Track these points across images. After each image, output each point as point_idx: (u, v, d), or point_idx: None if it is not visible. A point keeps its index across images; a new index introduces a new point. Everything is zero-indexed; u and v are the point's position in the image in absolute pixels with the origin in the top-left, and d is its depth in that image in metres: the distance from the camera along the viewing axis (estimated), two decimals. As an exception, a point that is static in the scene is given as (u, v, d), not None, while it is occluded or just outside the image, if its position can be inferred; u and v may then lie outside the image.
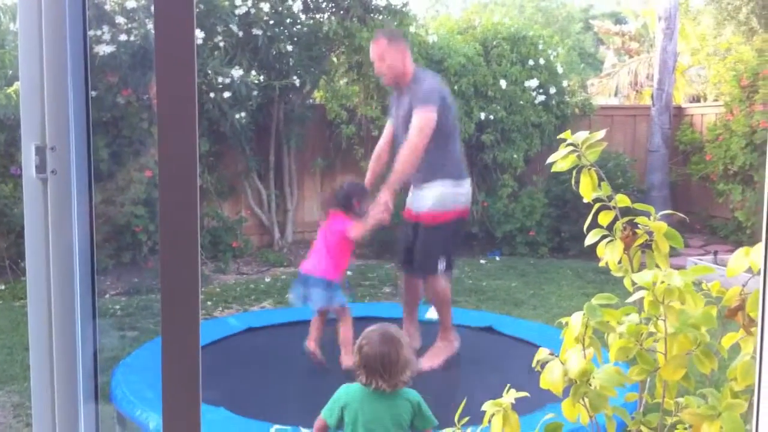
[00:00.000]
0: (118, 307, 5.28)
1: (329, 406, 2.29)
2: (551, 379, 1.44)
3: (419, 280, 3.93)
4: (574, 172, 1.59)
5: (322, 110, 7.31)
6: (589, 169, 1.58)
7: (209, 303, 5.47)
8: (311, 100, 7.52)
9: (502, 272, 6.65)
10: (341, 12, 7.10)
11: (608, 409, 1.46)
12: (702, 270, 1.46)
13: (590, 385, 1.43)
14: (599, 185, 1.58)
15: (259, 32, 6.49)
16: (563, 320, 1.51)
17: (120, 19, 5.76)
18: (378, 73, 3.91)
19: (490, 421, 1.49)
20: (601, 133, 1.57)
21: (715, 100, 9.00)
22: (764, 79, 7.15)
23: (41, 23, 1.27)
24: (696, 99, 11.95)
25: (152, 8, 1.04)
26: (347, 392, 2.28)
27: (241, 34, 6.47)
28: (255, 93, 6.57)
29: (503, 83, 7.44)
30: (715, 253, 6.69)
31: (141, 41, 5.72)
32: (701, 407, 1.37)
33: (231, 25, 6.37)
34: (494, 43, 7.73)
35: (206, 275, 6.30)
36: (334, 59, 7.45)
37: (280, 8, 6.68)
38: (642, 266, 1.56)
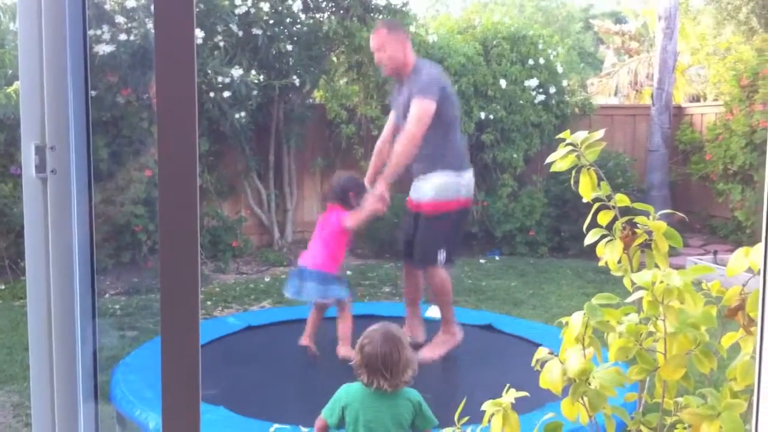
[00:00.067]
0: (117, 306, 5.28)
1: (330, 406, 2.28)
2: (550, 378, 1.44)
3: (420, 271, 3.91)
4: (574, 172, 1.59)
5: (322, 110, 7.31)
6: (589, 169, 1.58)
7: (209, 303, 5.47)
8: (311, 100, 7.53)
9: (501, 272, 6.65)
10: (341, 11, 7.10)
11: (607, 408, 1.46)
12: (702, 270, 1.46)
13: (589, 384, 1.43)
14: (598, 185, 1.59)
15: (259, 32, 6.49)
16: (563, 320, 1.51)
17: (120, 19, 5.76)
18: (378, 63, 3.90)
19: (489, 421, 1.49)
20: (599, 133, 1.57)
21: (715, 100, 9.00)
22: (764, 78, 7.15)
23: (41, 23, 1.27)
24: (696, 98, 11.95)
25: (152, 8, 1.04)
26: (348, 392, 2.28)
27: (240, 33, 6.47)
28: (255, 92, 6.57)
29: (503, 83, 7.44)
30: (715, 252, 6.70)
31: (141, 41, 5.72)
32: (701, 407, 1.37)
33: (231, 25, 6.37)
34: (494, 42, 7.73)
35: (206, 275, 6.30)
36: (334, 59, 7.45)
37: (280, 8, 6.68)
38: (641, 266, 1.56)
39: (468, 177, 3.86)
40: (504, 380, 1.65)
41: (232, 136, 6.70)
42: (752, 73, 7.35)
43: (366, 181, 3.92)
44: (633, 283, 1.46)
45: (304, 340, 3.79)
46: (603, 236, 1.57)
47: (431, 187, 3.75)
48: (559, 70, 7.89)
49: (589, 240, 1.58)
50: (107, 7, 5.93)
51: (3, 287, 5.57)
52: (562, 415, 1.49)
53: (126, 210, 5.80)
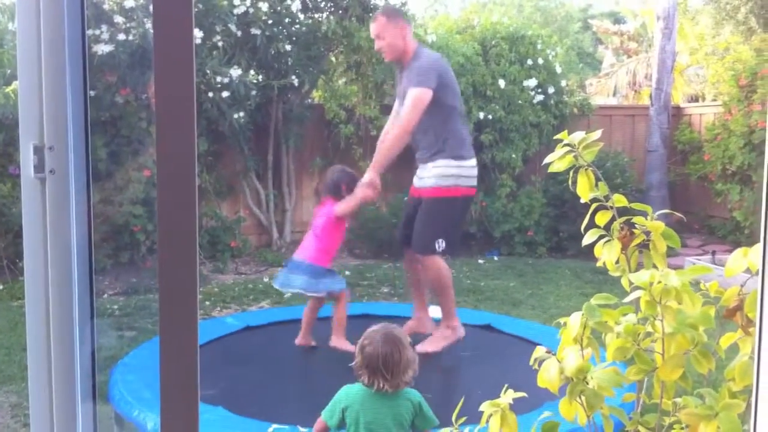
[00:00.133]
0: (116, 306, 5.28)
1: (330, 407, 2.28)
2: (548, 376, 1.44)
3: (418, 259, 3.85)
4: (572, 172, 1.59)
5: (321, 110, 7.31)
6: (586, 169, 1.58)
7: (207, 303, 5.46)
8: (310, 100, 7.52)
9: (500, 272, 6.65)
10: (340, 11, 7.10)
11: (605, 408, 1.46)
12: (700, 270, 1.46)
13: (587, 383, 1.43)
14: (596, 185, 1.59)
15: (258, 32, 6.49)
16: (561, 320, 1.51)
17: (119, 19, 5.76)
18: (378, 50, 3.89)
19: (488, 422, 1.49)
20: (597, 133, 1.57)
21: (714, 100, 9.01)
22: (763, 78, 7.16)
23: (40, 22, 1.27)
24: (694, 99, 11.96)
25: (151, 8, 1.04)
26: (348, 394, 2.27)
27: (239, 33, 6.47)
28: (253, 92, 6.57)
29: (502, 83, 7.44)
30: (713, 253, 6.70)
31: (140, 41, 5.72)
32: (699, 407, 1.37)
33: (229, 25, 6.36)
34: (493, 42, 7.73)
35: (204, 275, 6.29)
36: (333, 59, 7.45)
37: (279, 8, 6.68)
38: (640, 266, 1.56)
39: (470, 165, 3.84)
40: (503, 380, 1.65)
41: (230, 136, 6.70)
42: (751, 73, 7.36)
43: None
44: (631, 284, 1.46)
45: (300, 340, 3.80)
46: (601, 236, 1.57)
47: (432, 175, 3.74)
48: (558, 70, 7.89)
49: (587, 240, 1.58)
50: (106, 6, 5.93)
51: (1, 287, 5.56)
52: (561, 416, 1.49)
53: (124, 210, 5.79)
